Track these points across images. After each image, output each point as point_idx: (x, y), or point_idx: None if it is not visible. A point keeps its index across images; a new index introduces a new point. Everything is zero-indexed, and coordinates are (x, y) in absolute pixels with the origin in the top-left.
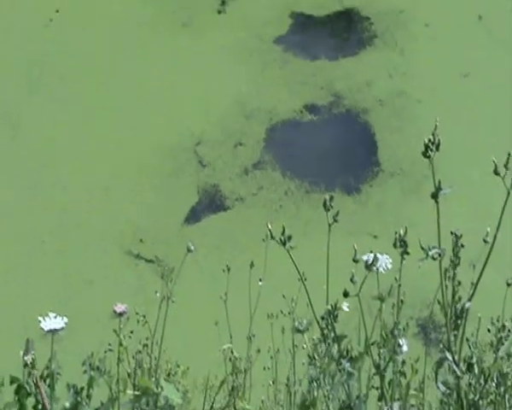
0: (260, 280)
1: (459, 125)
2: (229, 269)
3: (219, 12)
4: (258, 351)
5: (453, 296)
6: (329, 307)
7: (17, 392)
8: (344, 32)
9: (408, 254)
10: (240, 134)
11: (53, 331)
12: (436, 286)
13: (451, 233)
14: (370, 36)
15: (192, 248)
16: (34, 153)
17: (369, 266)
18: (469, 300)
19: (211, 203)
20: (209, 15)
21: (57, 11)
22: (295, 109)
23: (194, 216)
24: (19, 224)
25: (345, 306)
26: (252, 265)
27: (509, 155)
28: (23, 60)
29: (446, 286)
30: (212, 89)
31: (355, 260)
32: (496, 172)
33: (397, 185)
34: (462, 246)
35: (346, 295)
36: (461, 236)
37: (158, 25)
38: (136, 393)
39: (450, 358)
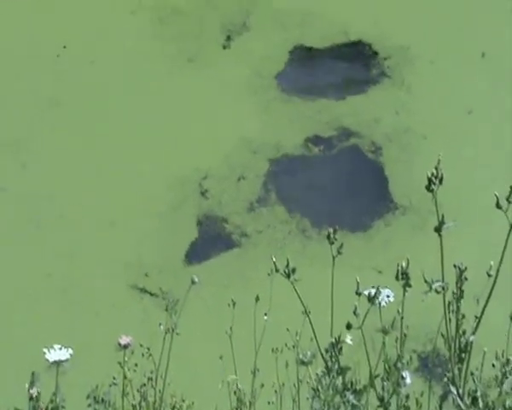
0: (265, 315)
1: (463, 160)
2: (234, 303)
3: (224, 47)
4: (263, 386)
5: (457, 330)
6: (333, 340)
7: None
8: (350, 69)
9: (410, 286)
10: (246, 169)
11: (58, 363)
12: (440, 320)
13: (455, 266)
14: (377, 73)
15: (196, 280)
16: (41, 185)
17: (371, 299)
18: (473, 333)
19: (217, 238)
20: (214, 50)
21: (64, 47)
22: (301, 145)
23: (198, 251)
24: (25, 256)
25: (348, 339)
26: (257, 299)
27: (511, 188)
28: (31, 94)
29: (450, 320)
30: (217, 123)
31: (357, 293)
32: (498, 206)
33: (402, 220)
34: (466, 279)
35: (348, 327)
36: (465, 269)
37: (164, 60)
38: None
39: (454, 391)
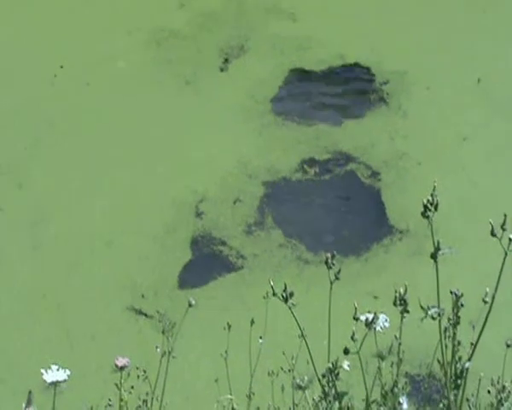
0: (261, 338)
1: (458, 186)
2: (229, 326)
3: (222, 70)
4: (258, 409)
5: (453, 356)
6: (330, 365)
7: None
8: (346, 93)
9: (408, 312)
10: (241, 193)
11: (55, 383)
12: (436, 345)
13: (451, 293)
14: (374, 98)
15: (193, 302)
16: (37, 206)
17: (368, 325)
18: (469, 360)
19: (213, 261)
20: (211, 73)
21: (61, 67)
22: (297, 169)
23: (194, 273)
24: (20, 276)
25: (345, 364)
26: (252, 322)
27: (505, 216)
28: (28, 115)
29: (446, 346)
30: (213, 146)
31: (355, 318)
32: (492, 234)
33: (399, 245)
34: (462, 305)
35: (346, 352)
36: (461, 295)
37: (161, 82)
38: None
39: None
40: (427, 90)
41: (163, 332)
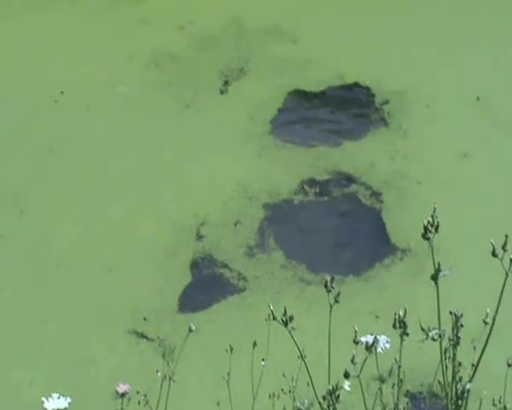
0: (263, 360)
1: (458, 205)
2: (231, 349)
3: (222, 92)
4: None
5: (453, 377)
6: (331, 387)
7: None
8: (346, 114)
9: (407, 335)
10: (242, 215)
11: None
12: (437, 365)
13: (451, 313)
14: (374, 118)
15: (193, 328)
16: (39, 232)
17: (369, 348)
18: (470, 381)
19: (214, 284)
20: (212, 96)
21: (62, 92)
22: (297, 190)
23: (195, 296)
24: (22, 302)
25: (346, 385)
26: (254, 344)
27: (507, 237)
28: (29, 140)
29: (446, 367)
30: (215, 169)
31: (355, 342)
32: (494, 254)
33: (400, 265)
34: (462, 326)
35: (346, 376)
36: (461, 316)
37: (161, 105)
38: None
39: None
40: (427, 109)
41: (163, 357)
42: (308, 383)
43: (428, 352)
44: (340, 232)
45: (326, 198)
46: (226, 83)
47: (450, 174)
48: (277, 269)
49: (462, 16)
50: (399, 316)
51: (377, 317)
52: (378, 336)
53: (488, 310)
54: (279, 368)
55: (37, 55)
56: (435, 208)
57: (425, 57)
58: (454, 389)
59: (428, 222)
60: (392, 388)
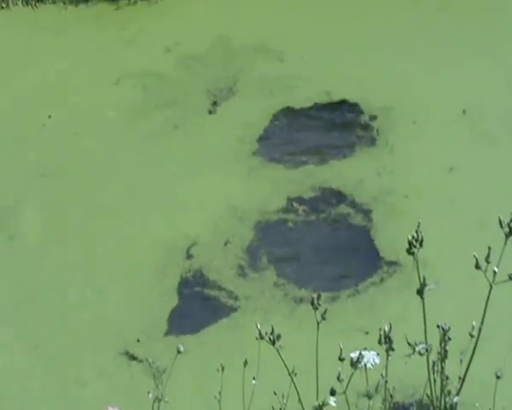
0: (254, 379)
1: (446, 218)
2: (223, 368)
3: (210, 112)
4: None
5: (442, 391)
6: (317, 404)
7: None
8: (334, 130)
9: (393, 350)
10: (232, 235)
11: None
12: (427, 379)
13: (438, 327)
14: (362, 135)
15: (182, 349)
16: (28, 256)
17: (355, 364)
18: (457, 394)
19: (206, 304)
20: (200, 116)
21: (49, 116)
22: (286, 209)
23: (186, 316)
24: (12, 327)
25: (332, 401)
26: (245, 363)
27: (489, 248)
28: (17, 165)
29: (435, 380)
30: (204, 190)
31: (341, 359)
32: (477, 267)
33: (389, 281)
34: (450, 339)
35: (332, 393)
36: (448, 329)
37: (149, 127)
38: None
39: None
40: (414, 124)
41: (153, 378)
42: (299, 400)
43: (419, 362)
44: (329, 249)
45: (315, 216)
46: (215, 103)
47: (437, 188)
48: (268, 288)
49: (446, 31)
50: (385, 332)
51: (367, 333)
52: (366, 352)
53: (474, 323)
54: (270, 386)
55: (24, 80)
56: (419, 223)
57: (411, 72)
58: (443, 403)
59: (413, 237)
60: (382, 403)
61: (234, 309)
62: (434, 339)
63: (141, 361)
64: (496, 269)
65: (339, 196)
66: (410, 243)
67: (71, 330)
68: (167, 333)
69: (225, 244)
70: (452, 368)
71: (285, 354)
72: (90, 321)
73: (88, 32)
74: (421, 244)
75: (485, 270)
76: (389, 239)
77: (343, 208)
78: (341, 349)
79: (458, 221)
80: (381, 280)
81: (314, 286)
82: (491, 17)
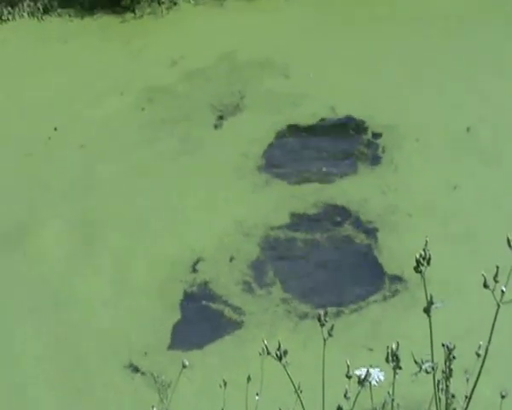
0: (257, 395)
1: (449, 236)
2: (225, 384)
3: (216, 127)
4: None
5: (447, 408)
6: None
7: None
8: (339, 149)
9: (400, 368)
10: (238, 251)
11: None
12: (431, 397)
13: (443, 345)
14: (367, 153)
15: (187, 363)
16: (34, 271)
17: (362, 382)
18: None
19: (210, 319)
20: (206, 131)
21: (55, 129)
22: (292, 225)
23: (191, 331)
24: (18, 338)
25: None
26: (249, 379)
27: (498, 268)
28: (23, 177)
29: (439, 398)
30: (210, 205)
31: (348, 377)
32: (485, 286)
33: (393, 298)
34: (454, 358)
35: None
36: (453, 347)
37: (155, 141)
38: None
39: None
40: (417, 142)
41: (158, 393)
42: None
43: (424, 380)
44: (334, 266)
45: (319, 233)
46: (221, 118)
47: (441, 206)
48: (272, 304)
49: (451, 51)
50: (392, 350)
51: (371, 349)
52: (372, 369)
53: (481, 342)
54: (275, 402)
55: (29, 93)
56: (427, 242)
57: (415, 91)
58: None
59: (420, 255)
60: None
61: (238, 324)
62: (440, 357)
63: (145, 375)
64: (504, 288)
65: (343, 214)
66: (417, 262)
67: (76, 341)
68: (172, 347)
69: (231, 260)
70: (457, 385)
71: (289, 369)
72: (95, 333)
73: (93, 44)
74: (428, 263)
75: (493, 289)
76: (393, 256)
77: (347, 226)
78: (348, 367)
79: (462, 239)
80: (385, 297)
81: (318, 302)
82: (493, 38)
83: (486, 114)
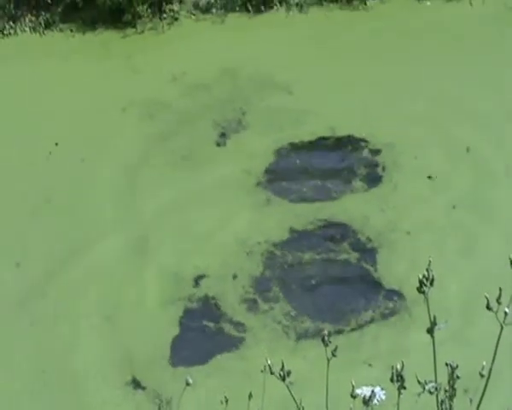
0: None
1: (447, 254)
2: (227, 401)
3: (218, 144)
4: None
5: None
6: None
7: None
8: (338, 165)
9: (405, 388)
10: (240, 269)
11: None
12: None
13: (446, 365)
14: (366, 171)
15: (190, 381)
16: (35, 283)
17: (366, 402)
18: None
19: (212, 335)
20: (208, 148)
21: (56, 144)
22: (294, 243)
23: (193, 347)
24: (19, 353)
25: None
26: (250, 396)
27: (501, 290)
28: (24, 193)
29: None
30: (213, 223)
31: (353, 396)
32: (488, 307)
33: (392, 315)
34: (458, 378)
35: None
36: (456, 367)
37: (157, 157)
38: None
39: None
40: (415, 160)
41: (159, 409)
42: None
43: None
44: (333, 283)
45: (320, 250)
46: (223, 135)
47: (440, 224)
48: (273, 321)
49: (450, 69)
50: (397, 370)
51: (370, 365)
52: (374, 389)
53: (484, 363)
54: None
55: (31, 108)
56: (430, 262)
57: (414, 110)
58: None
59: (424, 276)
60: None
61: (240, 341)
62: (429, 373)
63: (147, 390)
64: (507, 310)
65: (343, 231)
66: (421, 282)
67: (77, 356)
68: (173, 364)
69: (234, 278)
70: (459, 406)
71: (291, 387)
72: (96, 349)
73: (95, 59)
74: (431, 283)
75: (497, 311)
76: (391, 274)
77: (347, 243)
78: (353, 386)
79: (461, 259)
80: (384, 314)
81: (318, 320)
82: (493, 58)
83: (487, 134)
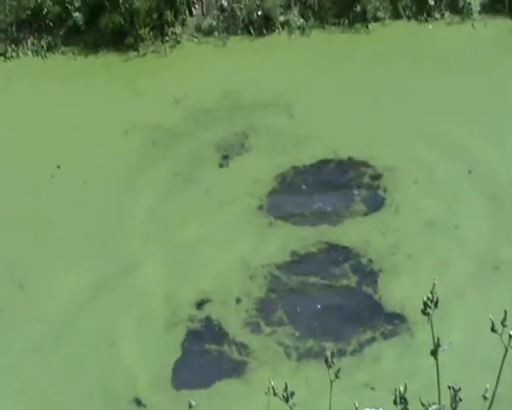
0: None
1: (449, 276)
2: None
3: (221, 166)
4: None
5: None
6: None
7: None
8: (340, 191)
9: None
10: (243, 293)
11: None
12: None
13: (449, 387)
14: (367, 195)
15: (193, 403)
16: (38, 306)
17: None
18: None
19: (215, 358)
20: (210, 170)
21: (58, 167)
22: (295, 267)
23: (196, 370)
24: (21, 377)
25: None
26: None
27: (506, 312)
28: (27, 215)
29: None
30: (216, 246)
31: None
32: (493, 330)
33: (393, 337)
34: (461, 400)
35: None
36: (459, 389)
37: (159, 180)
38: None
39: None
40: (415, 184)
41: None
42: None
43: None
44: (334, 307)
45: (322, 273)
46: (226, 157)
47: (441, 246)
48: (276, 344)
49: (450, 91)
50: (400, 392)
51: (372, 388)
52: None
53: (488, 385)
54: None
55: (33, 131)
56: (434, 285)
57: (416, 133)
58: None
59: (428, 298)
60: None
61: (242, 363)
62: (433, 396)
63: None
64: None
65: (345, 254)
66: (425, 304)
67: (81, 379)
68: (175, 387)
69: (237, 302)
70: None
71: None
72: (100, 370)
73: (97, 82)
74: (436, 305)
75: (501, 333)
76: (393, 297)
77: (349, 266)
78: (357, 408)
79: (464, 280)
80: (386, 336)
81: (321, 343)
82: (497, 82)
83: (490, 157)
